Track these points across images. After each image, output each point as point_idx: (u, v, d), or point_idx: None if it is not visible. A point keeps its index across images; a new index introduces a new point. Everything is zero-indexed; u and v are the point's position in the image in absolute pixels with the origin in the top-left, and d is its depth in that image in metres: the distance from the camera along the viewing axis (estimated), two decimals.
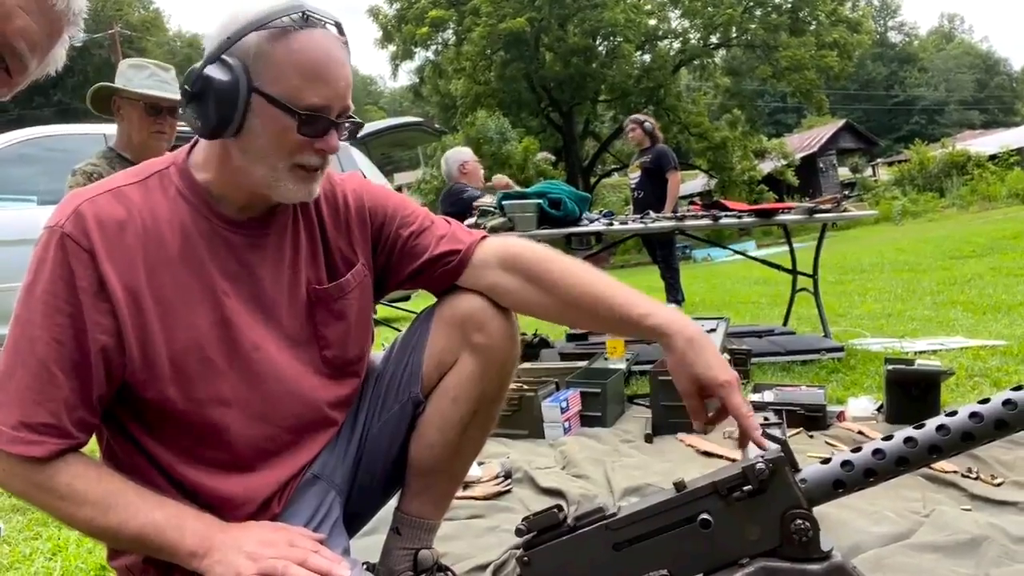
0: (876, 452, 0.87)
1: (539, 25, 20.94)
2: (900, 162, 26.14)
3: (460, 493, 1.87)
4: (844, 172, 31.64)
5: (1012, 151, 21.67)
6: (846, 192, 5.54)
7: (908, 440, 0.86)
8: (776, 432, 1.83)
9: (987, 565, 1.24)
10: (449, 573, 1.28)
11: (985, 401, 0.85)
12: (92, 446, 0.99)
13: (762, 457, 0.89)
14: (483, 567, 1.45)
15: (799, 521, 0.87)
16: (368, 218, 1.16)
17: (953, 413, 0.86)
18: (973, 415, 0.84)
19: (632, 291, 1.10)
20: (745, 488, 0.88)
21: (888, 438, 0.88)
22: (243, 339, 1.01)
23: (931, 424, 0.86)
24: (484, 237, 1.18)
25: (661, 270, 6.12)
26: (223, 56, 0.94)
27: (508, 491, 1.90)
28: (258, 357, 1.02)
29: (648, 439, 2.28)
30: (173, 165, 1.04)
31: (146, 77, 2.24)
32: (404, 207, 1.19)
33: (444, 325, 1.16)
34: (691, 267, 13.72)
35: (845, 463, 0.89)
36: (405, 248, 1.16)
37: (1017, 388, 0.85)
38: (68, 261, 0.91)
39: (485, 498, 1.86)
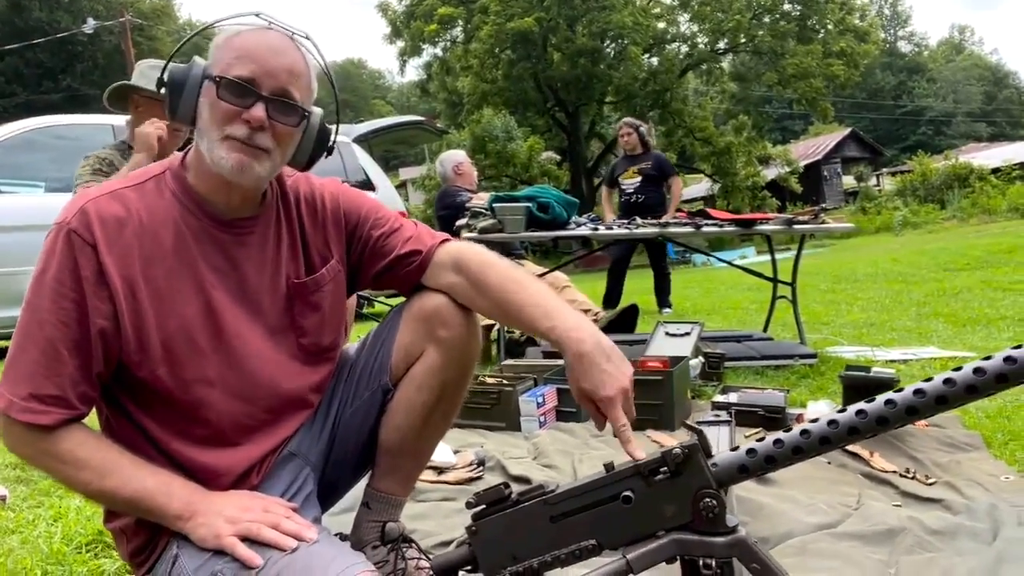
0: (776, 442, 0.99)
1: (547, 25, 21.03)
2: (903, 172, 26.20)
3: (435, 478, 2.01)
4: (849, 181, 31.70)
5: (1015, 165, 21.71)
6: (824, 206, 5.64)
7: (804, 432, 0.98)
8: (723, 429, 1.96)
9: (900, 553, 1.37)
10: (413, 545, 1.40)
11: (871, 400, 0.97)
12: (93, 419, 1.12)
13: (680, 444, 1.02)
14: (447, 543, 1.58)
15: (708, 500, 0.98)
16: (343, 219, 1.28)
17: (843, 410, 0.98)
18: (859, 412, 0.96)
19: (550, 302, 1.18)
20: (663, 470, 1.00)
21: (788, 429, 1.00)
22: (227, 326, 1.13)
23: (824, 419, 0.98)
24: (446, 240, 1.30)
25: (655, 276, 6.23)
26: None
27: (479, 477, 2.03)
28: (240, 343, 1.14)
29: None
30: (168, 170, 1.16)
31: None
32: (377, 210, 1.31)
33: (411, 320, 1.28)
34: (690, 271, 13.84)
35: (750, 451, 1.01)
36: (375, 247, 1.28)
37: (900, 390, 0.97)
38: (73, 253, 1.04)
39: (457, 483, 1.98)
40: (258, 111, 1.08)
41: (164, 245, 1.10)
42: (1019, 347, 0.87)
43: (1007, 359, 0.86)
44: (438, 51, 24.66)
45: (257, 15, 1.12)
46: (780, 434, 1.01)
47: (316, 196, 1.27)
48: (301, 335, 1.22)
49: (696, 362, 2.96)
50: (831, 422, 0.98)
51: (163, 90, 1.12)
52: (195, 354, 1.11)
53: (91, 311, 1.04)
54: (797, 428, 0.99)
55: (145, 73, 2.40)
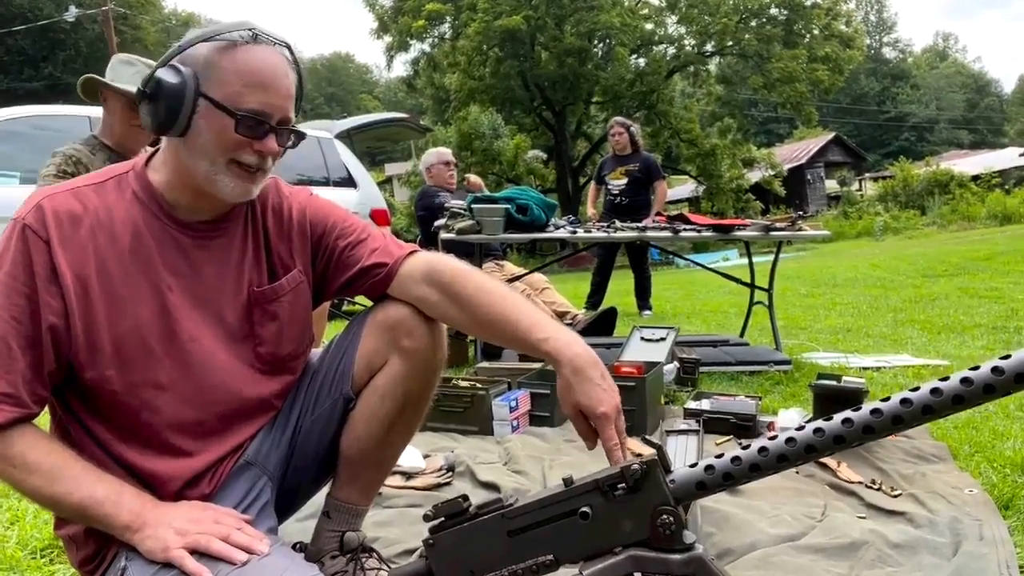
0: (735, 459, 0.99)
1: (535, 24, 20.96)
2: (885, 178, 26.47)
3: (402, 483, 1.99)
4: (832, 185, 31.98)
5: (995, 173, 22.03)
6: (801, 212, 5.64)
7: (762, 450, 0.98)
8: (692, 439, 1.96)
9: (861, 567, 1.37)
10: (373, 554, 1.38)
11: (829, 418, 0.97)
12: (45, 419, 1.09)
13: (640, 460, 1.01)
14: (412, 551, 1.56)
15: (665, 516, 0.98)
16: (309, 229, 1.26)
17: (801, 428, 0.98)
18: (817, 431, 0.96)
19: (537, 314, 1.18)
20: (621, 486, 1.00)
21: (747, 447, 1.00)
22: (181, 330, 1.11)
23: (782, 437, 0.98)
24: (413, 252, 1.28)
25: (636, 279, 6.22)
26: (174, 62, 1.07)
27: (448, 483, 2.01)
28: (194, 348, 1.12)
29: None
30: (132, 170, 1.15)
31: (133, 74, 2.36)
32: (344, 220, 1.30)
33: (375, 329, 1.26)
34: (672, 273, 13.89)
35: (708, 467, 1.00)
36: (341, 258, 1.26)
37: (857, 409, 0.96)
38: (27, 249, 1.03)
39: (425, 489, 1.96)
40: (272, 144, 1.10)
41: (121, 244, 1.08)
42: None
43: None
44: (425, 47, 24.54)
45: (250, 31, 1.09)
46: (738, 451, 1.00)
47: (284, 205, 1.26)
48: (259, 344, 1.20)
49: (671, 367, 2.96)
50: (789, 439, 0.97)
51: (141, 98, 1.09)
52: (147, 357, 1.09)
53: (43, 307, 1.02)
54: (756, 446, 0.99)
55: (116, 68, 2.37)
